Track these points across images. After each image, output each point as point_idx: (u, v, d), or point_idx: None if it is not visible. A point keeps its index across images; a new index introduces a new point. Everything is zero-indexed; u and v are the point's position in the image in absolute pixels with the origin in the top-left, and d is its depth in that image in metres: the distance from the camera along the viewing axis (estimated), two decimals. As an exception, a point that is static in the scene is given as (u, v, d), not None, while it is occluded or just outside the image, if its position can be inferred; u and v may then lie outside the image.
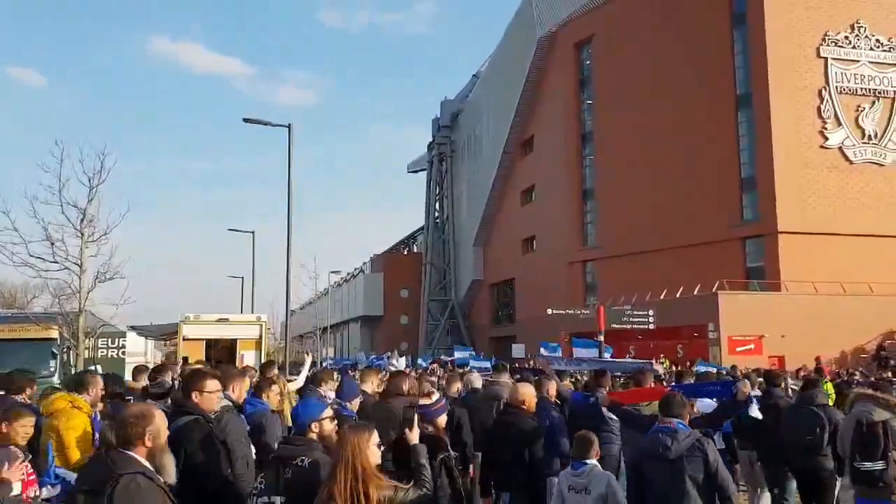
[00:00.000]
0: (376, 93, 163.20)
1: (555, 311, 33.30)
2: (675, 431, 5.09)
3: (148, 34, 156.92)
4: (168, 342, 31.68)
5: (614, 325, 25.26)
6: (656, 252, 43.22)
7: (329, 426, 4.40)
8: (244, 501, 4.51)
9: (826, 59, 40.46)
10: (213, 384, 5.04)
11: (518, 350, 42.19)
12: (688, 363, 28.96)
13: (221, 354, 19.17)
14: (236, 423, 5.19)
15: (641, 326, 26.64)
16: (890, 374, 22.98)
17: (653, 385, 8.58)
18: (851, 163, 39.97)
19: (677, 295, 37.46)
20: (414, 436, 4.52)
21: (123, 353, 24.27)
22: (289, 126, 20.37)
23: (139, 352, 26.13)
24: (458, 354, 33.13)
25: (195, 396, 4.91)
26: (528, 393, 6.69)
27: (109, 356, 22.97)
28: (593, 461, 5.64)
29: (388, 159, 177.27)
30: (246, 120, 21.00)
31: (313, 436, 4.28)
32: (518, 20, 60.70)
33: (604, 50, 50.55)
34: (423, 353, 59.12)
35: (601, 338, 21.25)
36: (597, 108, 51.50)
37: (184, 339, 18.81)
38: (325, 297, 69.45)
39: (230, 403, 5.47)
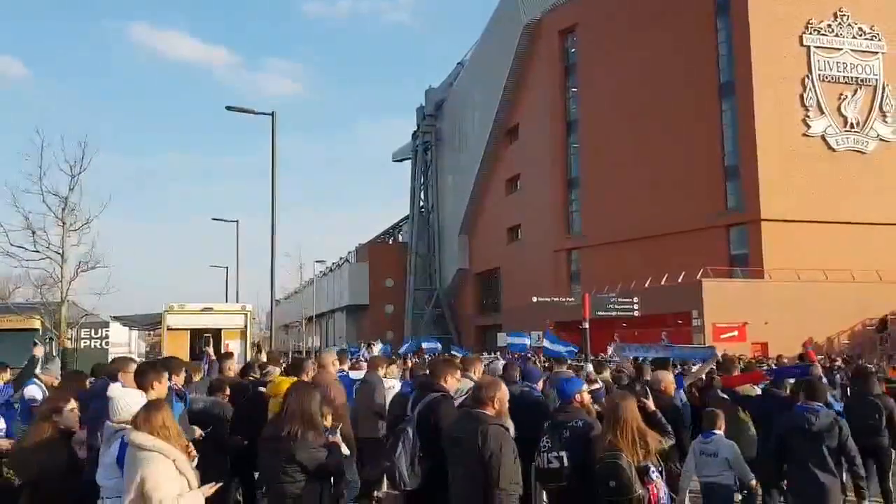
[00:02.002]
0: (360, 82, 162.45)
1: (540, 300, 33.48)
2: (817, 411, 6.31)
3: (130, 22, 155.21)
4: (152, 332, 31.47)
5: (599, 313, 25.35)
6: (641, 240, 43.39)
7: (588, 397, 5.79)
8: None
9: (809, 47, 40.64)
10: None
11: (503, 339, 42.28)
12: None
13: (206, 344, 18.99)
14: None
15: (626, 314, 26.82)
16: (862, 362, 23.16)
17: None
18: (834, 151, 40.24)
19: (662, 283, 37.63)
20: (651, 404, 5.94)
21: (107, 343, 24.02)
22: (272, 114, 20.23)
23: (123, 342, 25.88)
24: (425, 345, 33.05)
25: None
26: (667, 379, 7.68)
27: (92, 346, 22.75)
28: (720, 432, 6.80)
29: (373, 148, 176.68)
30: (229, 108, 20.82)
31: (577, 404, 5.44)
32: (503, 8, 60.49)
33: (589, 38, 50.51)
34: (408, 341, 59.04)
35: (586, 325, 21.31)
36: (582, 96, 51.50)
37: (168, 329, 18.64)
38: (311, 286, 69.27)
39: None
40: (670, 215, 41.45)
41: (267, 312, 35.15)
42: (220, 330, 19.35)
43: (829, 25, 41.06)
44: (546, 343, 17.30)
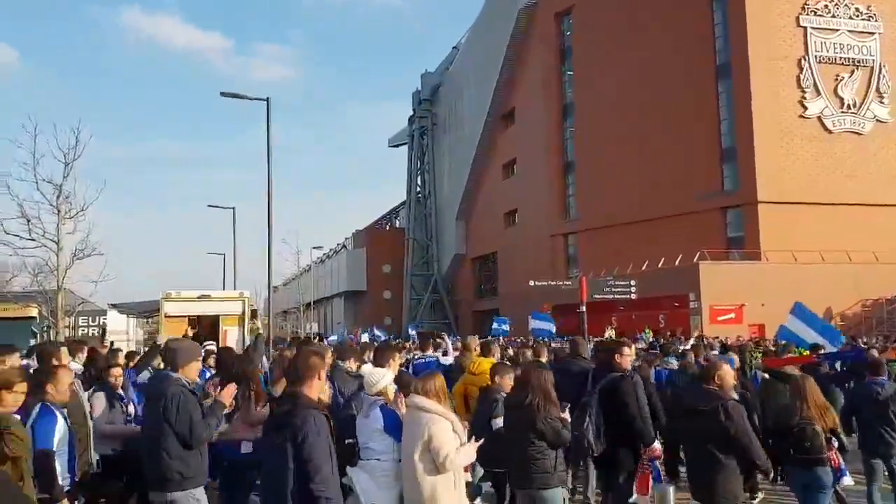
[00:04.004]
0: (357, 67, 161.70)
1: (537, 284, 33.41)
2: (883, 384, 7.58)
3: (122, 8, 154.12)
4: (150, 319, 31.46)
5: (596, 297, 25.31)
6: (637, 223, 43.38)
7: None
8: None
9: (805, 28, 40.46)
10: (628, 350, 7.02)
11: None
12: (668, 333, 29.24)
13: (204, 331, 18.98)
14: (639, 379, 6.98)
15: (623, 297, 26.81)
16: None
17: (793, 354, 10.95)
18: (830, 132, 40.16)
19: (659, 265, 37.65)
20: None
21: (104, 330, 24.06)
22: (267, 99, 20.14)
23: (121, 329, 25.90)
24: (411, 331, 33.25)
25: (618, 357, 6.80)
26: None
27: (91, 334, 22.81)
28: None
29: (369, 133, 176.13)
30: (223, 94, 20.69)
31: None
32: (498, -9, 60.10)
33: (584, 21, 50.27)
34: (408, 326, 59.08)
35: (583, 308, 21.32)
36: (577, 79, 51.31)
37: (165, 317, 18.62)
38: (308, 272, 69.26)
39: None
40: (667, 198, 41.42)
41: (265, 299, 35.19)
42: (217, 317, 19.36)
43: (826, 6, 40.86)
44: (535, 324, 17.48)
